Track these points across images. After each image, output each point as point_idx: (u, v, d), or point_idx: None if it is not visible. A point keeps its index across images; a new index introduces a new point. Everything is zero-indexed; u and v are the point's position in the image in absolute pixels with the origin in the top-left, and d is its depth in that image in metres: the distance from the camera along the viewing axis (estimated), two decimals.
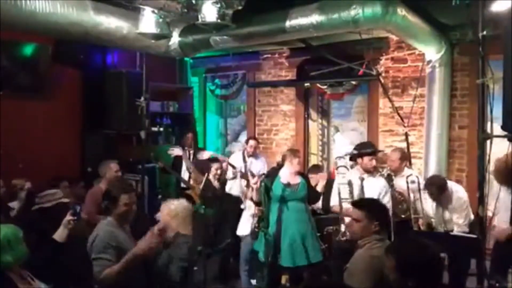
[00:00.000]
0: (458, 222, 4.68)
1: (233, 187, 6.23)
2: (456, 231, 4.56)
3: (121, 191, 3.21)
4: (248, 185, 5.75)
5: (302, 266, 4.55)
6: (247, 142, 6.46)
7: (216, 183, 5.58)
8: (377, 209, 3.23)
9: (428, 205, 4.84)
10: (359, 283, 2.92)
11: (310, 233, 4.63)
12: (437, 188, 4.64)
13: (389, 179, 4.77)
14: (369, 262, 2.99)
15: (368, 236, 3.08)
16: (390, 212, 4.49)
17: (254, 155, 6.34)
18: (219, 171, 5.60)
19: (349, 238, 3.60)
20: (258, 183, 4.84)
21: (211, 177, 5.57)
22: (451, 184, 4.82)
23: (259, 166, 6.29)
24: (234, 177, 6.21)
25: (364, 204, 3.31)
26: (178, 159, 6.48)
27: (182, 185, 6.41)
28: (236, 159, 6.41)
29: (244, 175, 6.13)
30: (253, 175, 5.79)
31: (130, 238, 3.26)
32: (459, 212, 4.68)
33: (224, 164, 6.03)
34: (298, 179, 4.76)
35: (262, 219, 4.61)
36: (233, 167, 6.19)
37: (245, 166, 6.27)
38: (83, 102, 6.66)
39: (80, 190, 5.50)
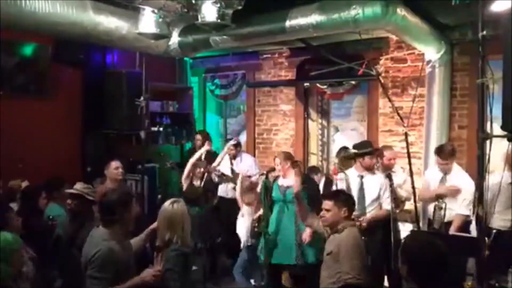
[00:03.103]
0: None
1: (222, 190, 6.27)
2: None
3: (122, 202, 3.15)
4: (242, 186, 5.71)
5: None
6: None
7: (198, 183, 5.52)
8: (344, 197, 3.66)
9: None
10: (350, 259, 3.26)
11: (292, 235, 4.71)
12: None
13: (389, 178, 4.78)
14: (357, 239, 3.39)
15: (341, 222, 3.50)
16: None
17: (236, 156, 6.31)
18: (202, 170, 5.57)
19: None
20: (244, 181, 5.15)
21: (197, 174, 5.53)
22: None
23: (246, 165, 6.26)
24: (220, 181, 6.20)
25: (332, 195, 3.77)
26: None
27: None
28: (224, 162, 6.38)
29: (228, 178, 6.10)
30: (237, 174, 5.83)
31: (126, 246, 3.24)
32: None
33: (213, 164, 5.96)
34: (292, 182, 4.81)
35: (261, 220, 4.64)
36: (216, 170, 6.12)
37: (231, 169, 6.25)
38: (83, 102, 6.65)
39: None
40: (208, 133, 7.04)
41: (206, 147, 5.68)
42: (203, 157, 5.68)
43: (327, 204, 3.58)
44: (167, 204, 3.37)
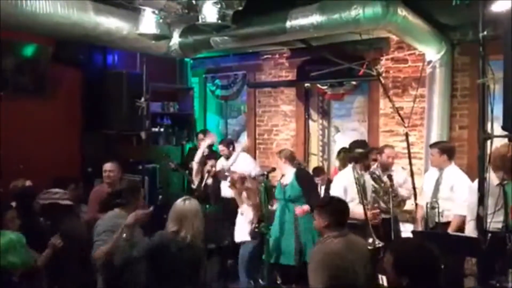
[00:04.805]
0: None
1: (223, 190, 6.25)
2: None
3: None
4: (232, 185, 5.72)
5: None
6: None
7: (209, 180, 5.52)
8: (329, 206, 3.29)
9: None
10: (313, 279, 3.00)
11: (287, 235, 4.78)
12: None
13: (390, 179, 4.78)
14: (321, 259, 3.06)
15: (324, 233, 3.18)
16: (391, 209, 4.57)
17: (229, 156, 6.21)
18: (213, 168, 5.55)
19: None
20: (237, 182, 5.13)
21: (205, 173, 5.53)
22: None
23: (242, 164, 6.17)
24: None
25: (319, 203, 3.47)
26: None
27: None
28: (221, 162, 6.36)
29: (224, 176, 6.09)
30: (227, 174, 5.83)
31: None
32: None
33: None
34: (289, 180, 4.83)
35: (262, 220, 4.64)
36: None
37: (229, 168, 6.24)
38: (83, 103, 6.65)
39: (79, 191, 5.43)
40: (209, 130, 7.09)
41: (207, 142, 5.79)
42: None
43: (314, 212, 3.36)
44: (179, 200, 3.55)
